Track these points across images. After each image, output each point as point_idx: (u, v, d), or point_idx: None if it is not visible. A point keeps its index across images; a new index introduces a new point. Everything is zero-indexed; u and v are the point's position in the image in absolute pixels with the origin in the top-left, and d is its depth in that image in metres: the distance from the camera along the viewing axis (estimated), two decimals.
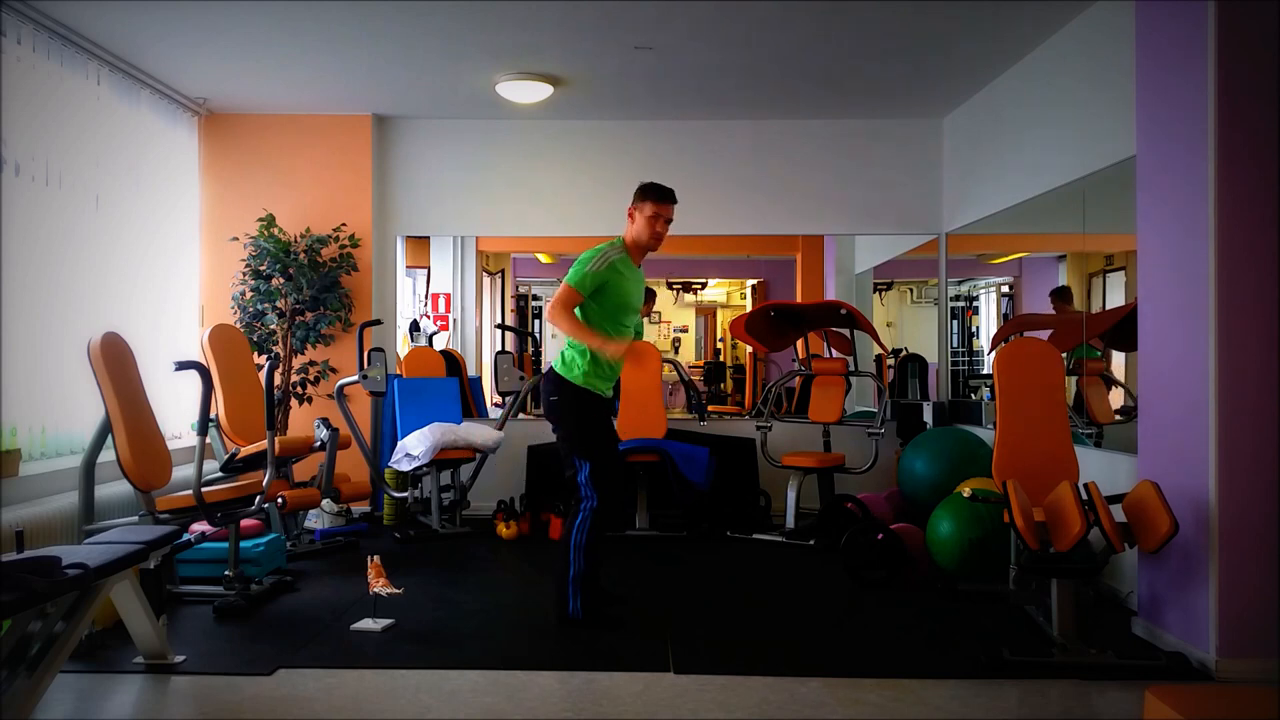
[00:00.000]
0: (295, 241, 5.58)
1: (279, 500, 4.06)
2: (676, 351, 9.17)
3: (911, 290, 6.85)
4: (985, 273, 6.01)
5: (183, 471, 4.13)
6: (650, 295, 3.66)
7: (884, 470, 5.36)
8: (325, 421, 4.62)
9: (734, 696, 2.80)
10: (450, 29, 4.46)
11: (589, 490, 3.42)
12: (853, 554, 4.12)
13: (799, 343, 5.63)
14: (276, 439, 4.02)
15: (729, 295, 9.19)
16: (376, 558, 3.50)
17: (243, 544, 4.05)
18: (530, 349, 7.33)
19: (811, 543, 4.93)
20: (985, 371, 5.62)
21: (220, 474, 4.36)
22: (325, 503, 5.10)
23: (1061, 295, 4.71)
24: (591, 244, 3.55)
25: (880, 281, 6.80)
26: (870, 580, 4.07)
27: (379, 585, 3.38)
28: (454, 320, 6.97)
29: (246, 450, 4.19)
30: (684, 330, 9.38)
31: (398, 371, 5.75)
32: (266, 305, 5.50)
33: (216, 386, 4.17)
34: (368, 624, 3.44)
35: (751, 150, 6.01)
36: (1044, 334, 4.94)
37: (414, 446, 4.96)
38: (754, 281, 8.39)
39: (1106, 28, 4.00)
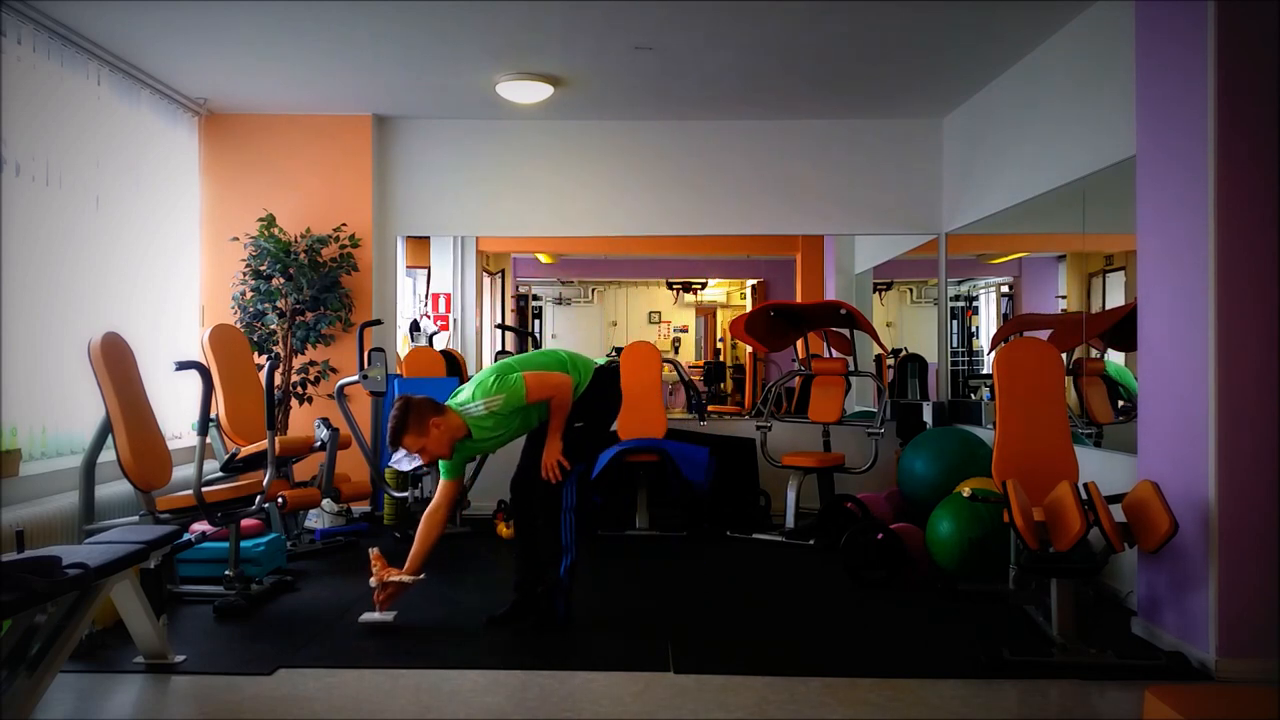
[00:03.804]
0: (295, 241, 5.58)
1: (279, 500, 4.06)
2: (676, 351, 9.18)
3: (911, 290, 6.85)
4: (985, 273, 6.02)
5: (183, 471, 4.13)
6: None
7: (884, 470, 5.35)
8: (325, 421, 4.62)
9: (734, 696, 2.80)
10: (450, 29, 4.46)
11: None
12: (853, 554, 4.12)
13: (799, 343, 5.63)
14: (277, 439, 4.02)
15: (729, 295, 9.19)
16: (376, 549, 3.49)
17: (243, 544, 4.05)
18: (530, 349, 7.32)
19: (811, 543, 4.93)
20: (985, 371, 5.62)
21: (220, 474, 4.36)
22: (325, 502, 5.10)
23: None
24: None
25: (880, 281, 6.80)
26: (870, 580, 4.07)
27: (382, 580, 3.38)
28: (454, 320, 6.97)
29: (247, 450, 4.19)
30: (684, 330, 9.39)
31: (398, 371, 5.75)
32: (267, 305, 5.49)
33: (217, 386, 4.17)
34: (375, 616, 3.42)
35: (751, 150, 6.00)
36: (1044, 334, 4.95)
37: None
38: (754, 281, 8.39)
39: (1106, 28, 4.00)
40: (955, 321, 6.00)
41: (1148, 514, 3.00)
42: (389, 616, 3.42)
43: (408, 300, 6.57)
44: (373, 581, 3.43)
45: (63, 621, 2.51)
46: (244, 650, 3.21)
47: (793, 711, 2.69)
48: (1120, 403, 4.31)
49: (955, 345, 5.98)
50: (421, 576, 3.44)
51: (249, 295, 5.49)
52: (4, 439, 3.92)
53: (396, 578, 3.38)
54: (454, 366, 6.07)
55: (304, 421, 5.52)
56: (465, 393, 3.40)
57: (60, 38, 4.36)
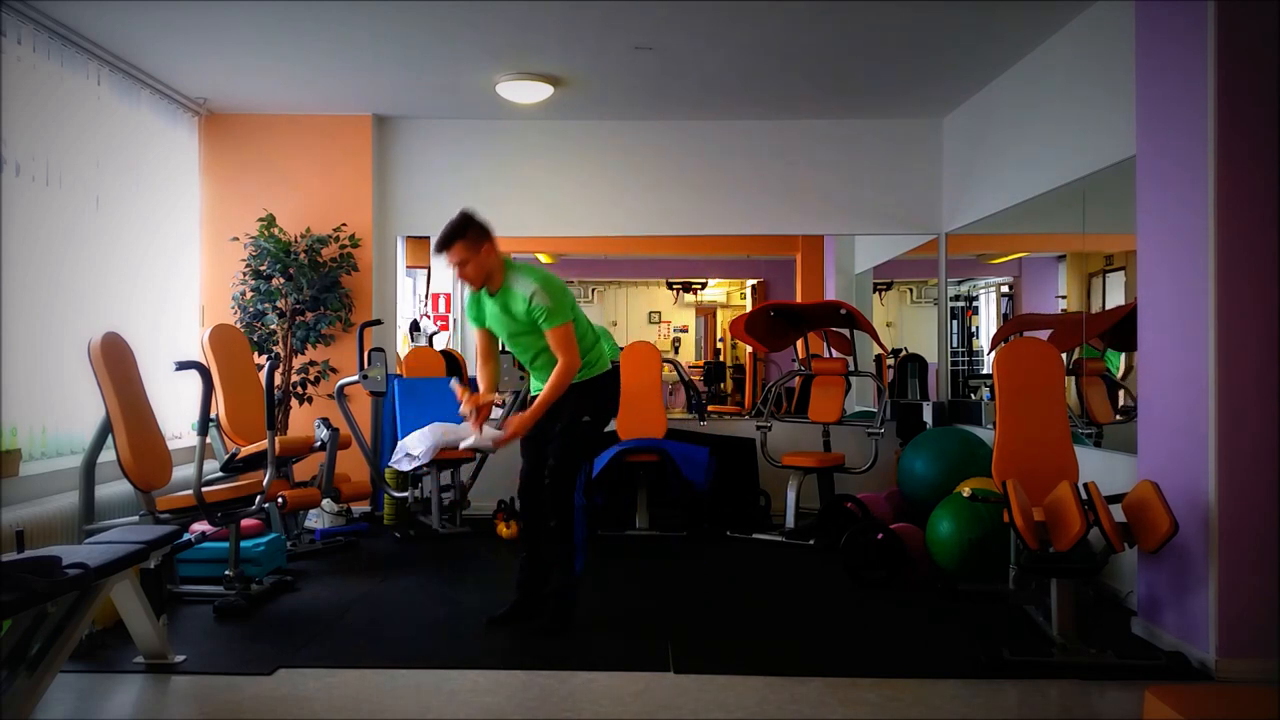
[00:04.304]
0: (295, 241, 5.58)
1: (279, 500, 4.06)
2: (676, 351, 9.17)
3: (911, 290, 6.86)
4: (985, 273, 6.02)
5: (183, 471, 4.12)
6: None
7: (884, 470, 5.35)
8: (325, 421, 4.62)
9: (734, 696, 2.80)
10: (450, 29, 4.46)
11: None
12: (853, 554, 4.12)
13: (799, 343, 5.63)
14: (277, 439, 4.02)
15: (729, 295, 9.19)
16: (454, 380, 3.42)
17: (243, 544, 4.05)
18: None
19: (811, 543, 4.93)
20: (985, 371, 5.62)
21: (220, 474, 4.36)
22: (325, 503, 5.10)
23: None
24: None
25: (880, 281, 6.80)
26: (870, 580, 4.07)
27: (475, 405, 3.34)
28: (454, 320, 6.97)
29: (247, 450, 4.19)
30: (684, 330, 9.38)
31: (398, 371, 5.75)
32: (267, 305, 5.50)
33: (217, 386, 4.17)
34: (475, 439, 3.35)
35: (752, 150, 6.00)
36: (1044, 334, 4.94)
37: (414, 446, 4.96)
38: (754, 281, 8.39)
39: (1106, 28, 4.00)
40: (955, 321, 6.00)
41: (1148, 514, 3.00)
42: (496, 432, 3.35)
43: (408, 300, 6.56)
44: (465, 409, 3.36)
45: (63, 621, 2.50)
46: (244, 650, 3.21)
47: (793, 711, 2.69)
48: (1115, 381, 4.30)
49: (955, 345, 5.98)
50: (505, 396, 3.38)
51: (249, 295, 5.49)
52: (4, 439, 3.92)
53: (486, 399, 3.36)
54: (454, 366, 6.08)
55: (304, 421, 5.52)
56: (530, 269, 3.39)
57: (60, 38, 4.36)
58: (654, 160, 6.01)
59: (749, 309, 7.40)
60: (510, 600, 3.53)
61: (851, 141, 5.98)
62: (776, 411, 5.61)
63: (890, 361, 6.49)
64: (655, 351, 5.65)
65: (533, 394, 3.51)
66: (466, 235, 3.30)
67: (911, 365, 6.30)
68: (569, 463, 3.42)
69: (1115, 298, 4.22)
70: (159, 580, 3.18)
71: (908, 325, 6.81)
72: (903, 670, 3.02)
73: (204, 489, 3.73)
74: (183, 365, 3.82)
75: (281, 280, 5.48)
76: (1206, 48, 3.01)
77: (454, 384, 3.44)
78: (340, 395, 5.29)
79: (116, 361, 3.63)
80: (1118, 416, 4.29)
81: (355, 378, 5.22)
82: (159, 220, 5.26)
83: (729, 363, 8.79)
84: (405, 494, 5.32)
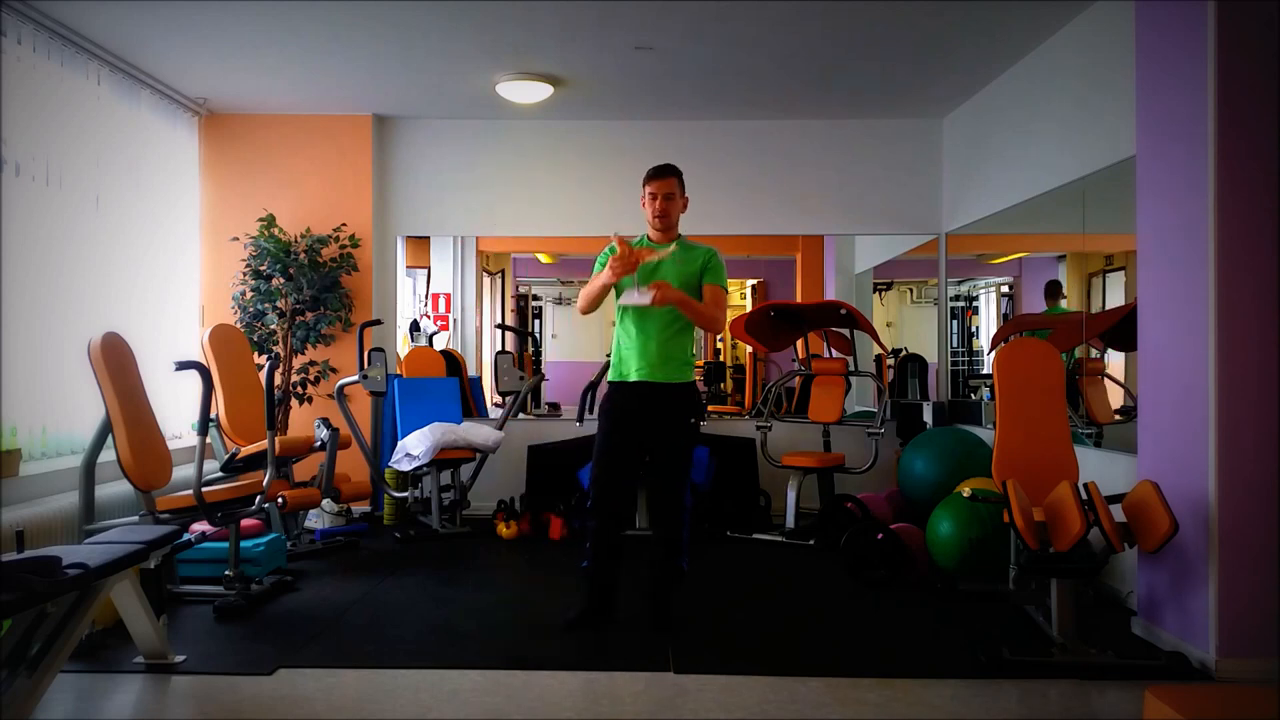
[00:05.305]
0: (295, 241, 5.58)
1: (279, 500, 4.06)
2: None
3: (911, 290, 6.85)
4: (985, 273, 6.01)
5: (183, 471, 4.13)
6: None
7: (884, 470, 5.35)
8: (325, 421, 4.62)
9: (734, 696, 2.80)
10: (450, 29, 4.46)
11: (588, 488, 3.58)
12: (853, 554, 4.13)
13: (799, 343, 5.63)
14: (277, 439, 4.02)
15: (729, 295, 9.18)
16: (616, 235, 3.36)
17: (243, 544, 4.05)
18: (530, 349, 7.32)
19: (811, 543, 4.93)
20: (985, 371, 5.62)
21: (220, 474, 4.36)
22: (325, 503, 5.10)
23: (1052, 292, 4.76)
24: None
25: (880, 281, 6.80)
26: (870, 580, 4.07)
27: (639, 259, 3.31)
28: (454, 320, 6.97)
29: (247, 450, 4.19)
30: None
31: (398, 371, 5.75)
32: (267, 305, 5.50)
33: (217, 386, 4.17)
34: (639, 296, 3.34)
35: (751, 150, 6.01)
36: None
37: (414, 446, 4.96)
38: (754, 281, 8.39)
39: (1106, 28, 4.00)
40: (955, 321, 6.00)
41: (1148, 514, 3.00)
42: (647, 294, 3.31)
43: (408, 300, 6.56)
44: (615, 269, 3.29)
45: (63, 621, 2.51)
46: (244, 650, 3.21)
47: (793, 711, 2.69)
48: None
49: (955, 345, 5.98)
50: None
51: (249, 295, 5.49)
52: (4, 439, 3.92)
53: (640, 252, 3.36)
54: (454, 366, 6.08)
55: (304, 421, 5.52)
56: None
57: (60, 38, 4.36)
58: (654, 160, 5.96)
59: (749, 309, 7.40)
60: (585, 604, 3.49)
61: (851, 141, 5.98)
62: (776, 411, 5.61)
63: (890, 361, 6.49)
64: None
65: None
66: (680, 177, 3.57)
67: (911, 365, 6.29)
68: (687, 469, 3.50)
69: (1115, 298, 4.22)
70: (159, 580, 3.18)
71: (908, 325, 6.80)
72: (903, 670, 3.02)
73: (204, 489, 3.73)
74: (183, 365, 3.82)
75: (281, 280, 5.48)
76: (1206, 48, 3.01)
77: (615, 238, 3.37)
78: (340, 395, 5.29)
79: (116, 361, 3.63)
80: (1117, 416, 4.29)
81: (355, 378, 5.23)
82: (159, 220, 5.26)
83: (729, 363, 8.79)
84: (405, 494, 5.32)
